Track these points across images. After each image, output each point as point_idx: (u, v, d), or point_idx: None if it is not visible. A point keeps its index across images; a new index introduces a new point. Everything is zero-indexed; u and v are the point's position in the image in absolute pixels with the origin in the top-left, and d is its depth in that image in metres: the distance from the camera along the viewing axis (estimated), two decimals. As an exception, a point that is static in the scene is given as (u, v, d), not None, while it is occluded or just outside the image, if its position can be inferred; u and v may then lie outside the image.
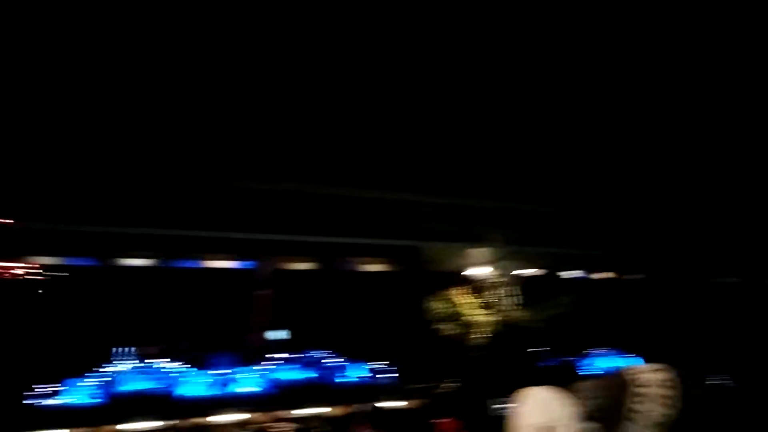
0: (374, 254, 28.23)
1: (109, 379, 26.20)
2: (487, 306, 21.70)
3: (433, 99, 22.72)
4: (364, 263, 29.07)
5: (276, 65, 21.47)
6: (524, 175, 24.32)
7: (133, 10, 18.21)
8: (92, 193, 21.40)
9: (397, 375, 27.19)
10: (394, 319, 26.58)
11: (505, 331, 19.88)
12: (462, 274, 24.56)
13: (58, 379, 26.05)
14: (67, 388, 25.46)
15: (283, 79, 22.03)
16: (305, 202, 24.60)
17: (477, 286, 22.92)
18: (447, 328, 21.73)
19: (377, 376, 27.61)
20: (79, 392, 25.43)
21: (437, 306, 22.53)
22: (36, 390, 25.18)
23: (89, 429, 22.48)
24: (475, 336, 21.01)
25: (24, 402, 24.50)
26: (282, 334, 31.46)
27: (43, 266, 27.55)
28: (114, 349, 28.85)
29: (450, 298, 22.81)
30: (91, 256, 27.33)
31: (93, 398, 25.29)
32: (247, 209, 23.69)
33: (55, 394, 25.57)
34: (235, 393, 27.13)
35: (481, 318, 21.39)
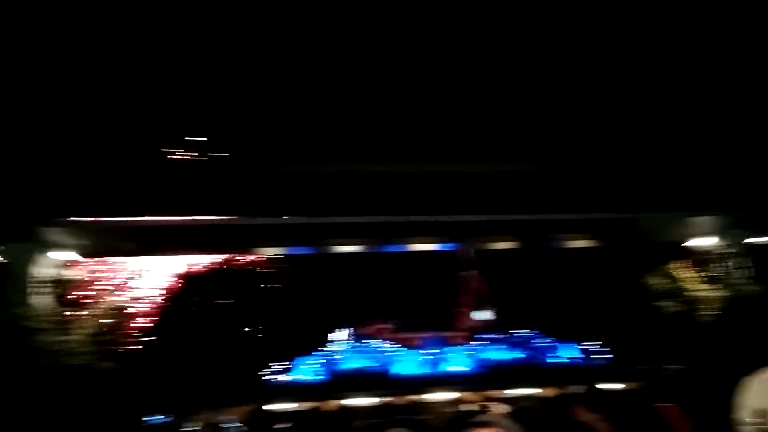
0: (583, 230, 26.74)
1: (331, 357, 28.36)
2: (713, 280, 19.40)
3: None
4: (572, 239, 27.71)
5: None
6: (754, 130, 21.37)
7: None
8: (305, 188, 23.08)
9: (611, 356, 25.66)
10: (607, 297, 25.04)
11: (734, 307, 17.59)
12: (683, 245, 22.29)
13: (288, 358, 28.90)
14: (295, 365, 28.11)
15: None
16: (503, 180, 24.13)
17: (701, 259, 20.60)
18: (668, 306, 19.82)
19: (590, 356, 26.37)
20: (306, 370, 27.90)
21: (656, 282, 20.66)
22: (271, 367, 28.18)
23: (314, 403, 24.46)
24: (701, 313, 18.91)
25: (261, 378, 27.51)
26: (489, 314, 31.51)
27: (269, 257, 30.61)
28: (333, 330, 31.28)
29: (670, 273, 20.79)
30: (309, 245, 29.36)
31: (317, 375, 27.60)
32: (449, 191, 23.88)
33: (285, 371, 28.35)
34: (446, 372, 27.75)
35: (707, 293, 19.20)
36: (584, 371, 25.03)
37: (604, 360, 26.24)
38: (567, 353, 26.09)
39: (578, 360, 26.31)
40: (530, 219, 24.30)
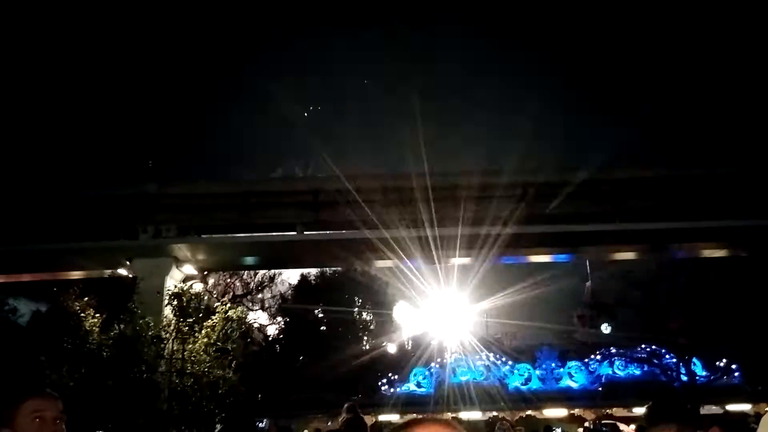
0: (711, 238, 24.82)
1: (444, 369, 28.35)
2: None
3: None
4: (696, 249, 25.82)
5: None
6: None
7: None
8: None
9: (741, 375, 23.54)
10: (738, 311, 23.08)
11: None
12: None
13: (403, 368, 29.33)
14: (410, 376, 28.36)
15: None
16: (619, 186, 23.02)
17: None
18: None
19: (719, 375, 24.39)
20: (419, 381, 28.12)
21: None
22: (387, 377, 28.70)
23: (426, 414, 24.62)
24: None
25: (379, 388, 28.07)
26: (607, 329, 30.02)
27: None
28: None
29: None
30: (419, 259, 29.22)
31: (429, 387, 27.74)
32: (563, 200, 23.17)
33: (400, 381, 28.70)
34: (563, 387, 26.83)
35: None
36: (712, 390, 23.18)
37: (736, 379, 24.11)
38: (693, 370, 24.27)
39: (704, 378, 24.40)
40: (656, 228, 22.97)
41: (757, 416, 17.14)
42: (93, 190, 19.29)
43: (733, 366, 24.60)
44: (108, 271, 19.84)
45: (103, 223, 18.75)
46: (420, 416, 1.47)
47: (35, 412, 2.38)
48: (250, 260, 23.19)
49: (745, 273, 23.56)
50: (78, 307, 15.62)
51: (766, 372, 21.91)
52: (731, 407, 21.40)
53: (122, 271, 19.29)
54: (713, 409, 22.02)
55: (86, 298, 16.00)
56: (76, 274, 20.22)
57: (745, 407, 21.50)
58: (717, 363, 24.92)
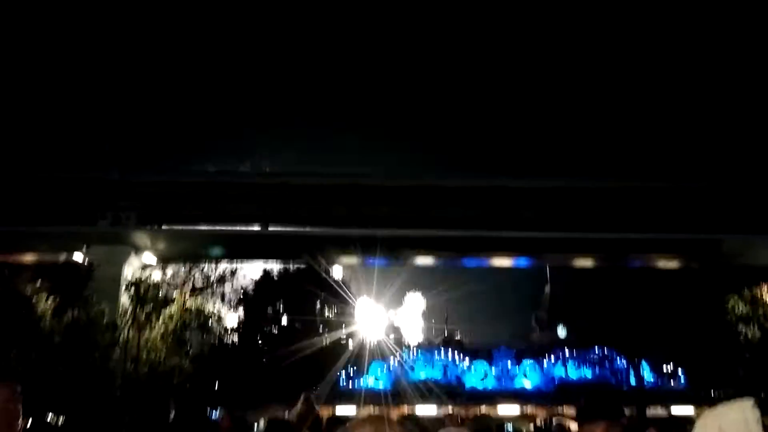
0: (666, 250, 25.58)
1: (401, 365, 28.62)
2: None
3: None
4: (653, 259, 26.59)
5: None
6: None
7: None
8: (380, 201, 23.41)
9: (686, 379, 24.34)
10: (684, 319, 23.84)
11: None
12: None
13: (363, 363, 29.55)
14: (367, 371, 28.62)
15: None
16: (587, 196, 23.53)
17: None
18: (749, 331, 18.76)
19: (665, 379, 25.18)
20: (377, 376, 28.35)
21: (737, 306, 19.60)
22: (347, 373, 28.88)
23: (381, 409, 24.84)
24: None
25: (337, 381, 28.18)
26: (562, 332, 30.69)
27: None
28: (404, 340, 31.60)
29: (754, 298, 19.68)
30: (386, 257, 29.31)
31: (387, 382, 27.98)
32: (524, 206, 23.59)
33: (358, 375, 28.91)
34: (518, 387, 27.33)
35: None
36: (658, 394, 23.92)
37: (680, 383, 24.92)
38: (641, 374, 25.01)
39: (652, 382, 25.16)
40: (613, 237, 23.60)
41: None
42: (50, 173, 18.91)
43: (679, 371, 25.42)
44: (63, 256, 19.53)
45: (59, 208, 18.41)
46: (366, 414, 1.54)
47: None
48: (212, 252, 23.07)
49: (695, 284, 24.35)
50: (30, 291, 15.38)
51: (710, 377, 22.70)
52: (676, 410, 22.13)
53: (78, 257, 19.01)
54: (659, 411, 22.73)
55: (39, 282, 15.76)
56: (29, 258, 19.81)
57: (689, 410, 22.25)
58: (664, 368, 25.71)
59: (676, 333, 23.59)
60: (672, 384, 25.39)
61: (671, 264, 24.66)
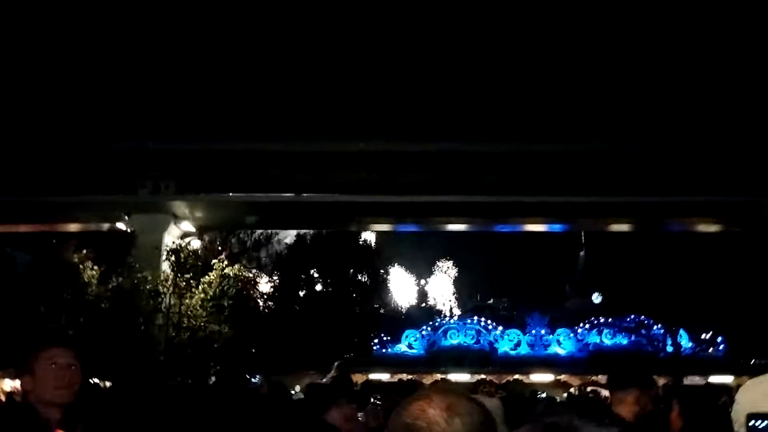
0: (704, 213, 25.03)
1: (436, 332, 28.79)
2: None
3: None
4: (690, 223, 26.05)
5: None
6: None
7: None
8: (413, 167, 23.33)
9: (726, 347, 24.06)
10: (725, 285, 23.46)
11: None
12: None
13: (397, 330, 29.83)
14: (401, 338, 28.91)
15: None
16: (617, 159, 23.10)
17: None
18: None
19: (704, 347, 24.91)
20: (411, 342, 28.60)
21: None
22: (379, 339, 29.22)
23: (416, 376, 25.11)
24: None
25: (371, 348, 28.58)
26: (597, 299, 30.48)
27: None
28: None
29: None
30: (417, 223, 29.32)
31: (420, 348, 28.21)
32: (559, 171, 23.26)
33: (393, 342, 29.19)
34: (551, 354, 27.34)
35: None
36: (696, 362, 23.69)
37: (719, 351, 24.62)
38: (679, 342, 24.77)
39: (690, 350, 24.92)
40: (649, 201, 23.21)
41: (738, 388, 17.55)
42: (92, 145, 19.30)
43: (718, 339, 25.10)
44: (106, 225, 20.04)
45: (102, 178, 18.85)
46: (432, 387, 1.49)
47: (51, 359, 2.60)
48: (248, 219, 23.40)
49: (736, 249, 23.86)
50: (76, 259, 15.86)
51: (750, 345, 22.39)
52: (714, 379, 21.89)
53: (120, 226, 19.50)
54: (696, 380, 22.52)
55: (84, 251, 16.24)
56: (74, 227, 20.42)
57: (728, 379, 22.00)
58: (702, 335, 25.40)
59: (715, 299, 23.27)
60: (711, 352, 25.12)
61: (711, 228, 24.15)
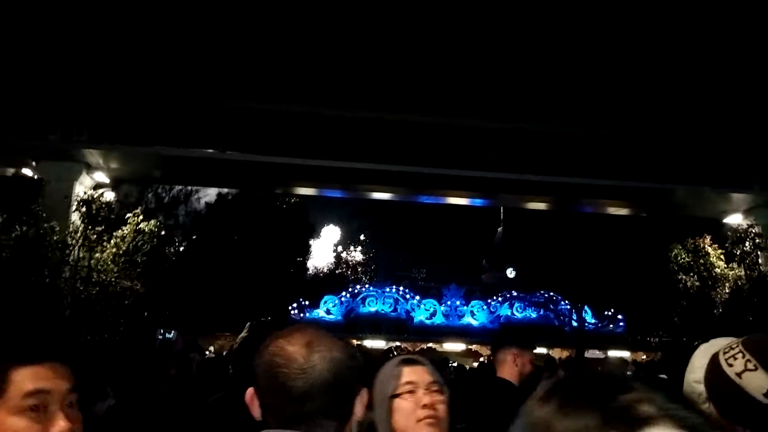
0: (616, 196, 26.28)
1: (353, 299, 29.07)
2: (736, 259, 19.03)
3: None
4: (603, 205, 27.31)
5: None
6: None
7: None
8: (341, 132, 23.14)
9: (625, 325, 25.71)
10: (628, 266, 24.83)
11: (754, 288, 17.27)
12: (716, 222, 21.87)
13: (316, 296, 29.88)
14: (320, 303, 29.01)
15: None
16: (542, 139, 23.77)
17: (728, 236, 20.18)
18: (687, 280, 19.62)
19: (605, 323, 26.46)
20: (329, 308, 28.78)
21: (679, 255, 20.38)
22: (298, 303, 29.17)
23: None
24: (719, 291, 18.67)
25: (289, 312, 28.49)
26: (511, 273, 31.68)
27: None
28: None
29: (696, 248, 20.47)
30: (341, 188, 29.25)
31: (338, 314, 28.46)
32: (483, 146, 23.71)
33: (311, 307, 29.25)
34: (465, 324, 28.21)
35: (729, 272, 18.89)
36: (598, 337, 25.14)
37: (619, 328, 26.26)
38: (583, 317, 26.18)
39: (592, 325, 26.40)
40: (566, 181, 24.11)
41: (635, 362, 18.51)
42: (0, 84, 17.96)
43: (619, 316, 26.69)
44: (11, 170, 18.81)
45: (8, 121, 17.59)
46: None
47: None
48: (167, 174, 22.56)
49: (640, 233, 25.20)
50: (-24, 204, 14.87)
51: (645, 324, 23.93)
52: (613, 353, 23.34)
53: (27, 172, 18.36)
54: (597, 354, 23.88)
55: (-15, 196, 15.24)
56: (-25, 171, 19.07)
57: (625, 354, 23.53)
58: (605, 312, 26.93)
59: (619, 279, 24.62)
60: (611, 328, 26.70)
61: (621, 211, 25.43)
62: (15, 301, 13.19)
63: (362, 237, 40.01)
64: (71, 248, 15.57)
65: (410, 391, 1.91)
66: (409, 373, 1.95)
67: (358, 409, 1.37)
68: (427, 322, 28.74)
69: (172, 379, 4.90)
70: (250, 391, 1.36)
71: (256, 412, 1.35)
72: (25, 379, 1.37)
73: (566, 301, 27.00)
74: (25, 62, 17.54)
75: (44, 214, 15.24)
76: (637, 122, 22.91)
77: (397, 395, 1.92)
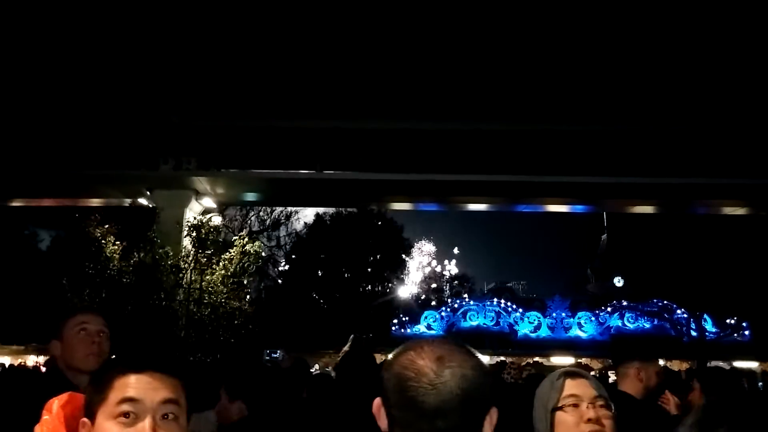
0: (731, 195, 24.57)
1: (455, 314, 28.73)
2: None
3: None
4: (717, 206, 25.59)
5: None
6: None
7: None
8: (433, 145, 23.13)
9: (751, 333, 23.76)
10: (750, 269, 23.00)
11: None
12: None
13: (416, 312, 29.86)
14: (421, 319, 28.89)
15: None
16: (642, 140, 22.68)
17: None
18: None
19: (728, 332, 24.59)
20: (430, 324, 28.58)
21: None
22: (399, 319, 29.24)
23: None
24: None
25: (390, 329, 28.57)
26: (619, 282, 30.21)
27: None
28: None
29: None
30: (437, 201, 29.17)
31: (440, 329, 28.18)
32: (581, 151, 22.94)
33: (412, 323, 29.20)
34: (572, 337, 27.16)
35: None
36: (721, 347, 23.37)
37: (743, 336, 24.31)
38: (703, 326, 24.45)
39: (713, 334, 24.59)
40: (674, 183, 22.81)
41: (764, 374, 17.16)
42: (116, 119, 19.35)
43: (743, 324, 24.76)
44: (128, 200, 20.13)
45: (124, 153, 18.89)
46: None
47: (80, 324, 2.57)
48: (268, 196, 23.36)
49: (762, 233, 23.40)
50: (98, 234, 15.93)
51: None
52: (738, 364, 21.60)
53: (142, 201, 19.57)
54: (720, 365, 22.25)
55: (107, 226, 16.30)
56: (96, 202, 20.53)
57: (753, 365, 21.73)
58: (727, 320, 25.06)
59: (740, 285, 22.86)
60: (735, 337, 24.79)
61: (738, 211, 23.71)
62: (136, 323, 13.99)
63: (456, 251, 39.55)
64: (184, 272, 16.35)
65: (574, 405, 1.85)
66: (572, 386, 1.89)
67: (487, 428, 1.31)
68: (532, 335, 27.88)
69: (305, 401, 4.95)
70: (377, 401, 1.33)
71: (383, 423, 1.32)
72: (124, 386, 1.43)
73: (683, 310, 25.34)
74: (136, 97, 18.80)
75: (158, 240, 16.12)
76: (748, 113, 21.39)
77: (560, 408, 1.86)
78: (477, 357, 1.33)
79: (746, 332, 24.65)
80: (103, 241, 15.80)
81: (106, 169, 18.74)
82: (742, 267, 22.49)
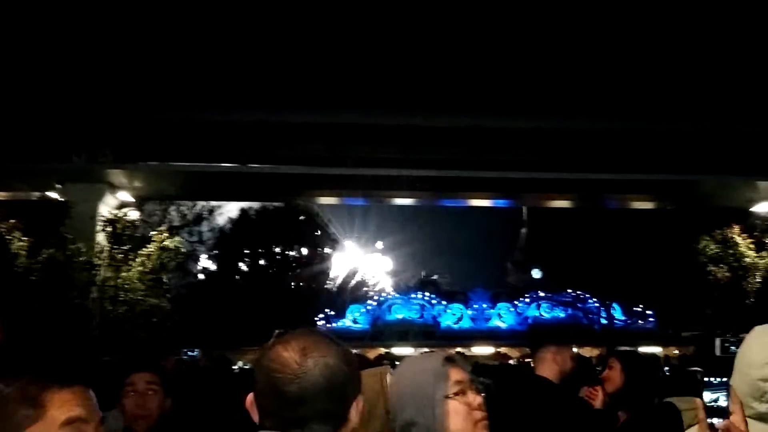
0: (641, 191, 25.88)
1: (379, 307, 28.99)
2: (767, 248, 18.62)
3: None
4: (627, 200, 26.91)
5: None
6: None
7: None
8: (361, 140, 23.15)
9: (656, 320, 25.26)
10: (656, 260, 24.40)
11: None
12: (744, 211, 21.41)
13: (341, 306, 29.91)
14: (346, 313, 29.00)
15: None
16: (562, 136, 23.53)
17: (756, 225, 19.75)
18: (718, 272, 19.18)
19: (635, 319, 26.04)
20: (355, 317, 28.74)
21: (708, 246, 19.95)
22: (324, 314, 29.24)
23: (360, 350, 25.24)
24: (750, 281, 18.26)
25: (315, 323, 28.49)
26: (537, 274, 31.35)
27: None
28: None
29: (725, 239, 20.04)
30: (364, 196, 29.11)
31: (365, 323, 28.38)
32: (503, 147, 23.55)
33: (337, 317, 29.26)
34: (491, 327, 27.95)
35: (760, 261, 18.47)
36: (629, 334, 24.71)
37: (650, 324, 25.81)
38: (612, 315, 25.79)
39: (622, 322, 25.98)
40: (588, 178, 23.80)
41: (666, 358, 18.19)
42: (23, 110, 18.30)
43: (649, 312, 26.26)
44: (36, 194, 19.13)
45: (34, 144, 17.90)
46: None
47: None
48: (190, 190, 22.77)
49: (667, 227, 24.80)
50: (4, 229, 15.11)
51: (677, 319, 23.48)
52: (644, 349, 22.88)
53: (52, 195, 18.64)
54: (627, 350, 23.49)
55: (12, 221, 15.48)
56: (1, 195, 19.36)
57: (657, 350, 23.07)
58: (634, 308, 26.52)
59: (647, 274, 24.20)
60: (641, 324, 26.26)
61: (647, 205, 25.01)
62: (45, 323, 13.37)
63: (380, 245, 39.84)
64: (98, 268, 15.76)
65: (461, 392, 1.82)
66: (455, 373, 1.86)
67: (353, 415, 1.38)
68: (455, 326, 28.54)
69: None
70: (250, 396, 1.38)
71: (255, 416, 1.37)
72: (63, 404, 1.30)
73: (594, 299, 26.63)
74: (48, 86, 17.89)
75: (70, 236, 15.46)
76: (659, 114, 22.61)
77: (450, 397, 1.81)
78: (341, 347, 1.40)
79: (651, 319, 26.18)
80: (8, 237, 15.00)
81: (12, 162, 17.70)
82: (649, 258, 23.82)
